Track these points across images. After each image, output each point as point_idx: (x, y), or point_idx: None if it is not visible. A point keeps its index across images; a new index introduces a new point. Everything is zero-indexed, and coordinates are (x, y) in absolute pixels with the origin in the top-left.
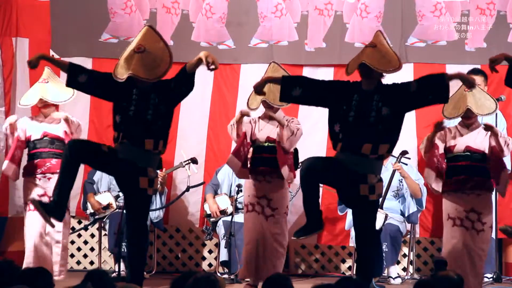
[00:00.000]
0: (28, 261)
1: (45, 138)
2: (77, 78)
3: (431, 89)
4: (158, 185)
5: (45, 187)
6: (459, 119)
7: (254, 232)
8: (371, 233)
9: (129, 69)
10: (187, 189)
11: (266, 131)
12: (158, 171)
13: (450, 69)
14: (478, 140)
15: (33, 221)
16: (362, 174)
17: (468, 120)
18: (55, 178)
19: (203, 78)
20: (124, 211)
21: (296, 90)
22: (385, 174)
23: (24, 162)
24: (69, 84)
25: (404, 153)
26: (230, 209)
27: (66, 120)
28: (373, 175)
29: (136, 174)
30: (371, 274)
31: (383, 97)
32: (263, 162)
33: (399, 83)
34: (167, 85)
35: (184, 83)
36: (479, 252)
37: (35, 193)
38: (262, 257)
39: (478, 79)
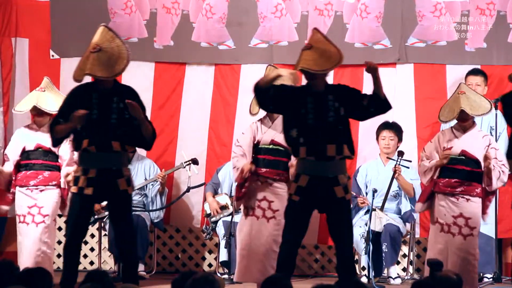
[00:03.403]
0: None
1: (39, 149)
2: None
3: (374, 104)
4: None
5: (36, 198)
6: (455, 121)
7: (248, 236)
8: (351, 232)
9: (85, 70)
10: (188, 190)
11: (269, 134)
12: (159, 171)
13: (450, 69)
14: (475, 147)
15: (25, 233)
16: (333, 177)
17: (464, 122)
18: (47, 189)
19: (204, 78)
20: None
21: (271, 90)
22: (385, 175)
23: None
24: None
25: (400, 154)
26: (230, 205)
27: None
28: (343, 175)
29: (113, 179)
30: (353, 271)
31: (336, 97)
32: (266, 164)
33: (351, 88)
34: (131, 94)
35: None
36: (467, 256)
37: (25, 205)
38: (259, 260)
39: (478, 79)
